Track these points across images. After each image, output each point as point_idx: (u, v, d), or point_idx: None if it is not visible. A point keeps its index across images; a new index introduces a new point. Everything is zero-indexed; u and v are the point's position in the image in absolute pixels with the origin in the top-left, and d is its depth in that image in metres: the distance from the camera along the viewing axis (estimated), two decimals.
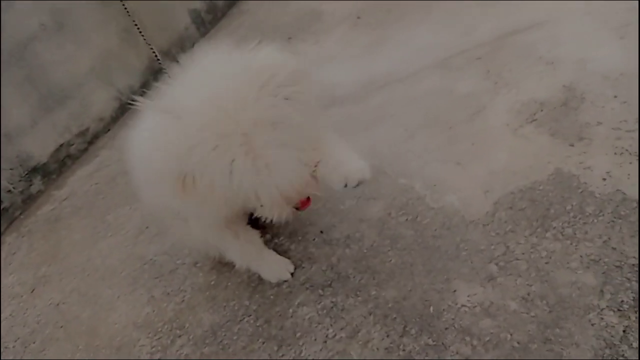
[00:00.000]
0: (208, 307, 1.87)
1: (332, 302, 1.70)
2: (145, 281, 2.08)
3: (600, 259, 1.51)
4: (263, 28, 3.65)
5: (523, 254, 1.61)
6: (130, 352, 1.84)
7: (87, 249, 2.40)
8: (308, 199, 1.36)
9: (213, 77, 1.20)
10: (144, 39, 1.77)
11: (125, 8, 2.37)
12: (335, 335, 1.61)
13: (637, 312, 1.37)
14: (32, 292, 2.30)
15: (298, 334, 1.66)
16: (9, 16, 2.75)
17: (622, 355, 1.31)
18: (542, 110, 2.04)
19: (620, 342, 1.33)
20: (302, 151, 1.21)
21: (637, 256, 1.48)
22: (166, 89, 1.24)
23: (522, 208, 1.74)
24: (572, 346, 1.36)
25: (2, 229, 2.79)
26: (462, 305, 1.55)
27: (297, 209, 1.35)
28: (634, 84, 1.95)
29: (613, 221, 1.59)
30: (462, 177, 1.93)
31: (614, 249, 1.52)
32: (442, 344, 1.48)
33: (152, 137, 1.26)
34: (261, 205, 1.30)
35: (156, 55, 1.73)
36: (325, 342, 1.61)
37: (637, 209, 1.59)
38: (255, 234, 1.80)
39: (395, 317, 1.59)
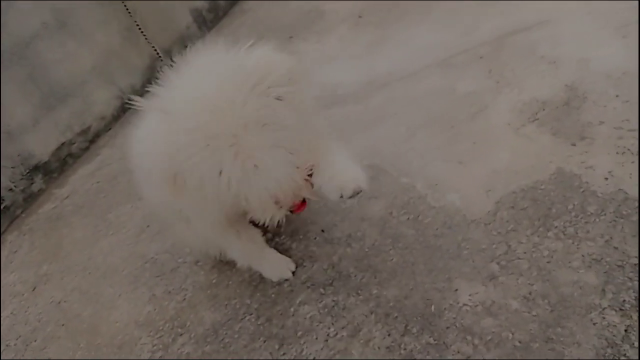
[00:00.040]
0: (209, 306, 1.87)
1: (334, 300, 1.70)
2: (147, 280, 2.08)
3: (602, 259, 1.51)
4: (264, 27, 3.65)
5: (525, 253, 1.61)
6: (131, 350, 1.84)
7: (88, 247, 2.40)
8: (303, 202, 1.34)
9: (205, 77, 1.20)
10: (145, 38, 1.77)
11: (126, 7, 2.37)
12: (336, 334, 1.61)
13: (639, 312, 1.37)
14: (33, 290, 2.30)
15: (299, 333, 1.66)
16: (11, 15, 2.75)
17: (624, 355, 1.30)
18: (544, 110, 2.04)
19: (622, 341, 1.33)
20: (294, 153, 1.19)
21: (638, 255, 1.48)
22: (161, 89, 1.24)
23: (523, 207, 1.73)
24: (574, 345, 1.36)
25: (3, 228, 2.79)
26: (464, 304, 1.55)
27: (291, 212, 1.33)
28: (636, 83, 1.95)
29: (615, 220, 1.59)
30: (464, 177, 1.93)
31: (615, 248, 1.52)
32: (444, 343, 1.48)
33: (147, 136, 1.27)
34: (253, 208, 1.29)
35: (158, 53, 1.73)
36: (327, 340, 1.61)
37: (638, 209, 1.58)
38: (256, 233, 1.80)
39: (396, 316, 1.59)
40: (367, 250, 1.82)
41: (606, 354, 1.32)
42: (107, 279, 2.17)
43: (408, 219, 1.86)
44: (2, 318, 2.21)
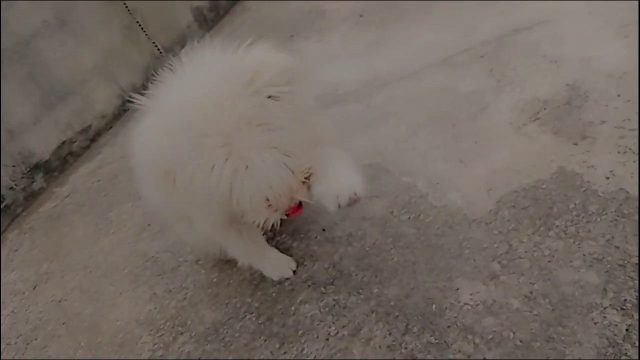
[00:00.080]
0: (210, 305, 1.87)
1: (334, 299, 1.70)
2: (148, 278, 2.08)
3: (603, 258, 1.51)
4: (265, 26, 3.64)
5: (526, 252, 1.61)
6: (132, 349, 1.84)
7: (89, 246, 2.40)
8: (299, 205, 1.31)
9: (201, 77, 1.19)
10: (146, 35, 1.76)
11: (126, 6, 2.37)
12: (337, 333, 1.61)
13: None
14: (34, 289, 2.30)
15: (300, 332, 1.66)
16: (12, 13, 2.75)
17: (625, 354, 1.30)
18: (545, 109, 2.04)
19: (623, 340, 1.33)
20: (289, 156, 1.18)
21: (639, 255, 1.47)
22: (158, 88, 1.24)
23: (525, 206, 1.73)
24: (575, 345, 1.36)
25: (4, 226, 2.79)
26: (465, 304, 1.55)
27: (287, 215, 1.31)
28: (637, 82, 1.94)
29: (616, 220, 1.58)
30: (465, 176, 1.93)
31: (617, 247, 1.52)
32: (445, 342, 1.48)
33: (143, 134, 1.27)
34: (251, 210, 1.27)
35: (159, 50, 1.73)
36: (328, 339, 1.61)
37: (639, 208, 1.58)
38: (257, 232, 1.80)
39: (397, 315, 1.59)
40: (368, 249, 1.82)
41: (607, 353, 1.32)
42: (108, 278, 2.17)
43: (409, 218, 1.86)
44: (3, 317, 2.21)
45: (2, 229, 2.78)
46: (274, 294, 1.81)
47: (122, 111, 3.35)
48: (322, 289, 1.75)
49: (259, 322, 1.74)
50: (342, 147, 1.51)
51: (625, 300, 1.40)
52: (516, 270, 1.57)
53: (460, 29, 2.71)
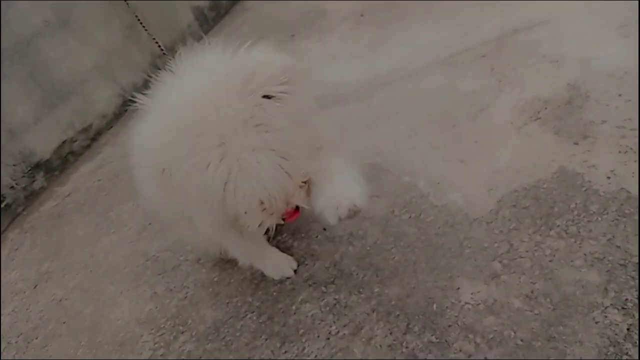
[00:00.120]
0: (211, 304, 1.87)
1: (335, 299, 1.70)
2: (148, 277, 2.08)
3: (604, 257, 1.51)
4: (266, 25, 3.64)
5: (527, 251, 1.61)
6: (132, 348, 1.84)
7: (89, 245, 2.40)
8: (296, 210, 1.28)
9: (199, 77, 1.19)
10: (148, 34, 1.77)
11: (128, 4, 2.37)
12: (338, 332, 1.61)
13: None
14: (34, 288, 2.30)
15: (301, 331, 1.66)
16: (13, 13, 2.75)
17: (626, 353, 1.30)
18: (546, 109, 2.04)
19: (624, 340, 1.33)
20: (285, 158, 1.16)
21: None
22: (157, 87, 1.25)
23: (526, 206, 1.73)
24: (576, 344, 1.36)
25: (5, 225, 2.80)
26: (466, 303, 1.55)
27: (283, 220, 1.29)
28: (638, 82, 1.94)
29: (617, 219, 1.58)
30: (466, 175, 1.93)
31: (618, 247, 1.52)
32: (446, 341, 1.48)
33: (142, 134, 1.27)
34: (245, 212, 1.25)
35: (162, 49, 1.73)
36: (328, 339, 1.61)
37: None
38: (258, 232, 1.80)
39: (398, 315, 1.59)
40: (368, 248, 1.82)
41: (608, 353, 1.32)
42: (109, 277, 2.17)
43: (410, 217, 1.86)
44: (3, 315, 2.21)
45: (3, 228, 2.78)
46: (274, 293, 1.81)
47: (123, 111, 3.35)
48: (323, 288, 1.75)
49: (260, 321, 1.74)
50: (343, 150, 1.49)
51: (627, 299, 1.40)
52: (517, 270, 1.57)
53: (460, 28, 2.71)
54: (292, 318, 1.70)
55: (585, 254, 1.53)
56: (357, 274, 1.75)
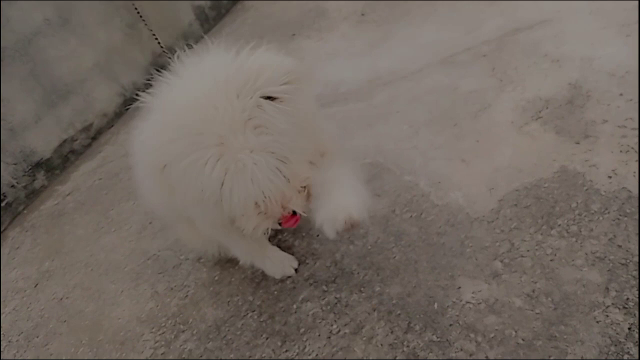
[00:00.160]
0: (212, 303, 1.87)
1: (336, 298, 1.70)
2: (149, 276, 2.08)
3: (605, 257, 1.51)
4: (267, 25, 3.64)
5: (528, 251, 1.60)
6: (133, 346, 1.84)
7: (90, 244, 2.40)
8: (294, 215, 1.26)
9: (202, 77, 1.19)
10: (150, 31, 1.76)
11: (135, 6, 2.36)
12: (339, 331, 1.61)
13: None
14: (35, 286, 2.30)
15: (302, 330, 1.66)
16: (14, 11, 2.75)
17: (627, 353, 1.30)
18: (547, 108, 2.04)
19: (626, 339, 1.33)
20: (284, 161, 1.15)
21: None
22: (160, 87, 1.24)
23: (527, 205, 1.73)
24: (577, 343, 1.36)
25: (6, 224, 2.80)
26: (467, 302, 1.55)
27: (279, 224, 1.27)
28: (639, 81, 1.94)
29: (618, 219, 1.58)
30: (467, 174, 1.93)
31: (619, 246, 1.52)
32: (447, 340, 1.48)
33: (144, 132, 1.27)
34: (241, 214, 1.24)
35: (162, 47, 1.73)
36: (329, 337, 1.61)
37: None
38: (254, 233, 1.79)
39: (399, 314, 1.59)
40: (369, 247, 1.82)
41: (609, 352, 1.32)
42: (109, 276, 2.17)
43: (411, 216, 1.86)
44: (4, 314, 2.21)
45: (3, 227, 2.78)
46: (275, 292, 1.81)
47: (124, 110, 3.35)
48: (324, 287, 1.75)
49: (261, 320, 1.74)
50: (347, 157, 1.48)
51: (628, 299, 1.40)
52: (518, 269, 1.57)
53: (461, 28, 2.71)
54: (293, 317, 1.70)
55: (586, 253, 1.53)
56: (358, 273, 1.75)
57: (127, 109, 3.33)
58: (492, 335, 1.45)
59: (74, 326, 2.02)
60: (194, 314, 1.86)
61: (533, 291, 1.50)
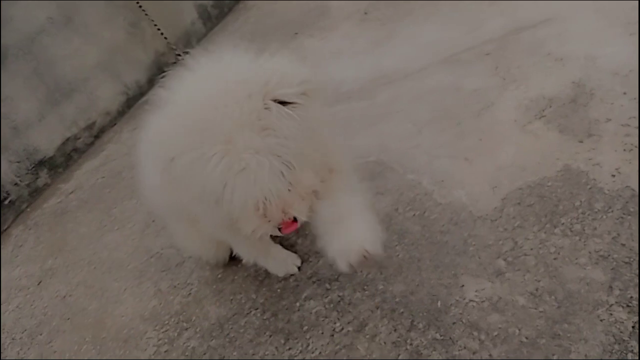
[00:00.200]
0: (215, 300, 1.87)
1: (339, 296, 1.70)
2: (152, 274, 2.09)
3: (609, 255, 1.50)
4: (269, 24, 3.65)
5: (531, 249, 1.60)
6: (137, 344, 1.84)
7: (93, 242, 2.41)
8: (294, 221, 1.24)
9: (217, 75, 1.19)
10: (158, 29, 1.77)
11: (138, 4, 2.37)
12: (342, 329, 1.61)
13: None
14: (38, 284, 2.31)
15: (305, 328, 1.66)
16: (17, 9, 2.75)
17: (631, 351, 1.30)
18: (550, 107, 2.03)
19: (630, 337, 1.32)
20: (288, 166, 1.14)
21: None
22: (175, 82, 1.25)
23: (530, 204, 1.73)
24: (581, 342, 1.36)
25: (9, 222, 2.80)
26: (470, 300, 1.55)
27: (279, 229, 1.25)
28: None
29: (622, 217, 1.58)
30: (470, 173, 1.93)
31: (623, 245, 1.52)
32: (450, 338, 1.48)
33: (153, 125, 1.27)
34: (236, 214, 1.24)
35: (170, 43, 1.74)
36: (332, 335, 1.61)
37: None
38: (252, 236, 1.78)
39: (402, 312, 1.59)
40: None
41: (613, 351, 1.32)
42: (113, 274, 2.18)
43: (414, 215, 1.86)
44: (8, 312, 2.22)
45: (7, 225, 2.79)
46: (278, 290, 1.81)
47: (126, 108, 3.36)
48: (327, 285, 1.75)
49: (264, 318, 1.74)
50: (356, 180, 1.48)
51: (632, 297, 1.40)
52: (522, 267, 1.57)
53: (465, 26, 2.70)
54: (296, 315, 1.71)
55: (590, 252, 1.53)
56: (361, 271, 1.75)
57: (134, 104, 3.32)
58: (495, 333, 1.45)
59: (77, 324, 2.03)
60: (197, 312, 1.86)
61: (536, 289, 1.50)
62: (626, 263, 1.47)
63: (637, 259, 1.47)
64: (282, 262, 1.84)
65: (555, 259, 1.55)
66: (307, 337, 1.63)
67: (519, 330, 1.43)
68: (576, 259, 1.53)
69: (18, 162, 2.84)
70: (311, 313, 1.69)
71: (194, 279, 1.98)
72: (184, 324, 1.84)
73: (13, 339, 2.08)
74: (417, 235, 1.79)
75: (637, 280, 1.42)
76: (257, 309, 1.78)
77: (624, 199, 1.63)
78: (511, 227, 1.69)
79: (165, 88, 1.24)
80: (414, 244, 1.76)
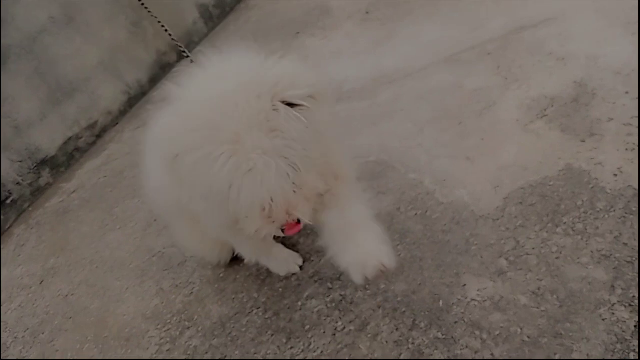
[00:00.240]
0: (217, 300, 1.87)
1: (341, 295, 1.71)
2: (154, 273, 2.09)
3: (611, 255, 1.50)
4: (271, 23, 3.65)
5: (533, 248, 1.60)
6: (139, 343, 1.85)
7: (95, 241, 2.41)
8: (298, 223, 1.25)
9: (227, 74, 1.20)
10: (163, 27, 1.77)
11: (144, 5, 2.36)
12: (344, 328, 1.62)
13: None
14: (41, 283, 2.31)
15: (307, 327, 1.66)
16: (19, 9, 2.76)
17: (634, 351, 1.30)
18: (552, 106, 2.03)
19: (632, 337, 1.32)
20: (294, 168, 1.15)
21: None
22: (185, 80, 1.25)
23: (532, 203, 1.73)
24: (583, 341, 1.36)
25: (11, 221, 2.81)
26: (472, 300, 1.55)
27: (282, 231, 1.26)
28: None
29: (624, 217, 1.58)
30: (472, 172, 1.93)
31: (625, 244, 1.52)
32: (452, 337, 1.48)
33: (160, 121, 1.27)
34: (245, 216, 1.24)
35: (176, 41, 1.74)
36: (334, 334, 1.61)
37: None
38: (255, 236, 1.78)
39: (404, 311, 1.59)
40: None
41: (615, 350, 1.32)
42: (115, 273, 2.18)
43: (416, 214, 1.86)
44: (10, 311, 2.23)
45: (9, 224, 2.80)
46: (280, 289, 1.81)
47: (128, 108, 3.36)
48: (329, 284, 1.75)
49: (266, 317, 1.74)
50: (360, 189, 1.51)
51: (634, 297, 1.40)
52: (524, 267, 1.57)
53: (466, 26, 2.70)
54: (298, 314, 1.71)
55: (592, 251, 1.53)
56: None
57: (136, 104, 3.32)
58: (497, 332, 1.45)
59: (80, 323, 2.03)
60: (199, 311, 1.86)
61: (538, 289, 1.50)
62: (628, 262, 1.47)
63: (639, 258, 1.47)
64: (284, 262, 1.84)
65: (557, 258, 1.55)
66: (309, 336, 1.64)
67: (521, 329, 1.43)
68: (578, 258, 1.53)
69: (20, 161, 2.84)
70: (313, 312, 1.69)
71: (196, 278, 1.99)
72: (186, 323, 1.84)
73: (15, 337, 2.09)
74: (419, 234, 1.79)
75: (639, 280, 1.42)
76: (259, 308, 1.78)
77: (626, 198, 1.63)
78: (513, 227, 1.69)
79: (175, 84, 1.24)
80: (415, 244, 1.77)
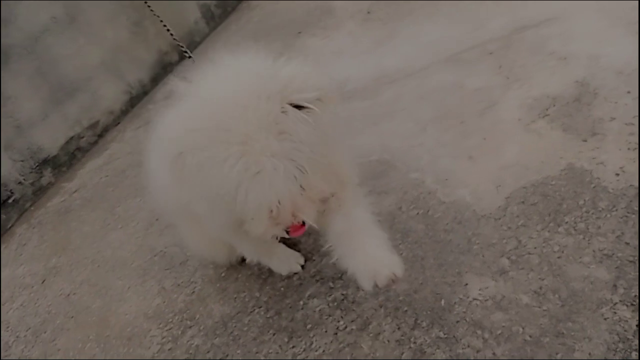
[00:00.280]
0: (218, 299, 1.87)
1: (343, 294, 1.71)
2: (156, 272, 2.09)
3: (613, 254, 1.50)
4: (273, 23, 3.65)
5: (535, 248, 1.60)
6: (141, 342, 1.85)
7: (97, 240, 2.41)
8: (302, 225, 1.26)
9: (237, 75, 1.20)
10: (165, 27, 1.77)
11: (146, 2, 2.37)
12: (346, 327, 1.62)
13: None
14: (42, 282, 2.32)
15: (309, 326, 1.66)
16: (21, 9, 2.76)
17: (635, 350, 1.30)
18: (554, 106, 2.03)
19: (634, 336, 1.32)
20: (301, 171, 1.16)
21: None
22: (191, 81, 1.25)
23: (534, 203, 1.73)
24: (585, 340, 1.36)
25: (13, 221, 2.81)
26: (474, 299, 1.55)
27: (287, 232, 1.27)
28: None
29: (626, 216, 1.58)
30: (474, 172, 1.93)
31: (627, 244, 1.51)
32: (454, 337, 1.48)
33: (167, 119, 1.27)
34: (251, 218, 1.25)
35: (177, 41, 1.74)
36: (336, 334, 1.61)
37: None
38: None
39: (406, 310, 1.59)
40: None
41: (617, 349, 1.32)
42: (116, 272, 2.18)
43: (418, 214, 1.86)
44: (12, 310, 2.23)
45: (11, 223, 2.80)
46: (282, 289, 1.81)
47: (130, 107, 3.37)
48: (331, 283, 1.75)
49: (268, 316, 1.75)
50: (363, 196, 1.51)
51: (636, 296, 1.39)
52: (525, 266, 1.57)
53: (468, 25, 2.70)
54: (300, 313, 1.71)
55: (594, 251, 1.53)
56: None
57: (137, 103, 3.32)
58: (499, 332, 1.45)
59: (81, 322, 2.04)
60: (201, 310, 1.86)
61: (540, 288, 1.50)
62: (630, 262, 1.47)
63: None
64: (286, 261, 1.84)
65: (559, 257, 1.55)
66: (311, 335, 1.64)
67: (523, 328, 1.43)
68: (580, 257, 1.53)
69: (22, 161, 2.85)
70: (315, 311, 1.70)
71: (198, 277, 1.99)
72: (188, 322, 1.84)
73: (17, 337, 2.09)
74: (420, 234, 1.79)
75: None
76: (260, 307, 1.78)
77: (628, 197, 1.62)
78: (515, 226, 1.69)
79: (185, 81, 1.24)
80: (417, 243, 1.77)
